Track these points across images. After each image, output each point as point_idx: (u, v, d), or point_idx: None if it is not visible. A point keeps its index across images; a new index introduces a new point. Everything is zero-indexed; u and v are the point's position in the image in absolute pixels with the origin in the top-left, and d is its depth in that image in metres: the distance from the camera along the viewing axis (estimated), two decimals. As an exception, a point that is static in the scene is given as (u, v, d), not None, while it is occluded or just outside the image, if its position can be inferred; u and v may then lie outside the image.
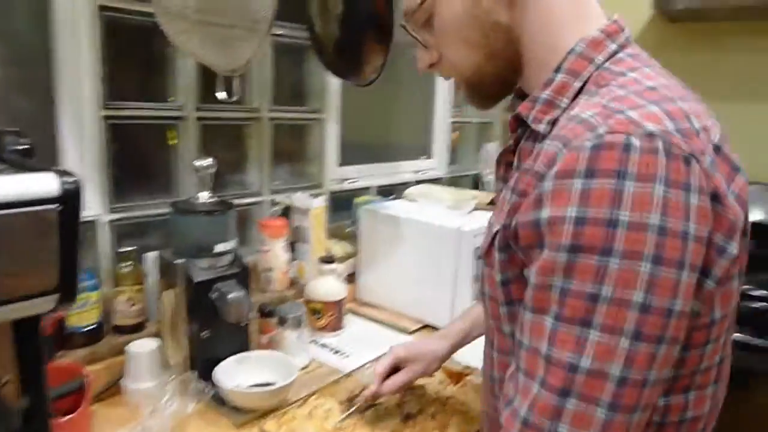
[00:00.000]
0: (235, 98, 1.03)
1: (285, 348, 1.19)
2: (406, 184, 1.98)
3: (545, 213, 0.51)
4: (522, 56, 0.65)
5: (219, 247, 1.06)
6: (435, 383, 1.13)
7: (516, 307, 0.60)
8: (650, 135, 0.48)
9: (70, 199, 0.48)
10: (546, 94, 0.61)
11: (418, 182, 2.01)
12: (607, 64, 0.59)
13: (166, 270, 1.09)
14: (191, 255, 1.05)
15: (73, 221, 0.49)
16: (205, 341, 1.05)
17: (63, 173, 0.49)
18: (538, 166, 0.55)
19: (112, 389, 1.05)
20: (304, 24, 1.24)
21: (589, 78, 0.59)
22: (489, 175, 1.70)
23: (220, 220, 1.07)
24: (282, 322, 1.20)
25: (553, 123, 0.59)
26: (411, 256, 1.43)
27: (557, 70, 0.60)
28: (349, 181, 1.74)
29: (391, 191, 1.91)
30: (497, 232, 0.60)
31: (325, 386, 1.12)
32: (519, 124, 0.65)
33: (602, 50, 0.59)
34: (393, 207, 1.53)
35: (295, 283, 1.47)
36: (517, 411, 0.53)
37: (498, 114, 2.40)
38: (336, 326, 1.37)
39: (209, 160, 1.08)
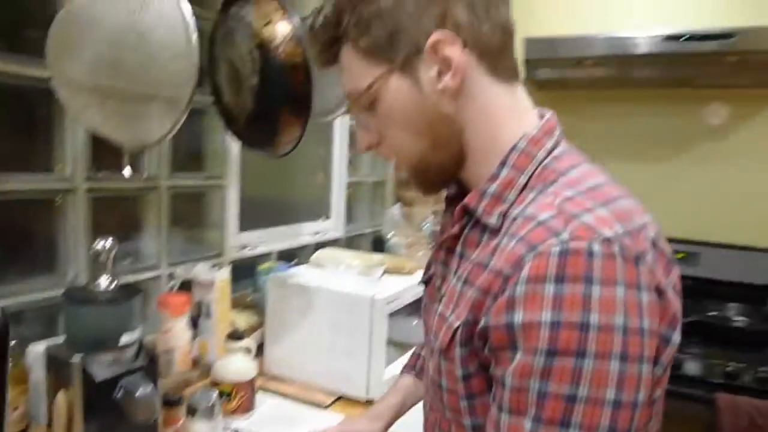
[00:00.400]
0: (145, 176, 0.95)
1: (194, 441, 1.09)
2: (306, 247, 1.95)
3: (518, 317, 0.52)
4: (465, 147, 0.66)
5: (124, 339, 0.95)
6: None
7: (476, 401, 0.61)
8: (607, 240, 0.52)
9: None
10: (493, 188, 0.63)
11: (318, 244, 1.98)
12: (547, 160, 0.63)
13: (58, 367, 0.96)
14: (90, 349, 0.93)
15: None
16: (108, 447, 0.93)
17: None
18: (501, 265, 0.56)
19: None
20: (210, 91, 1.19)
21: (533, 173, 0.62)
22: (394, 238, 1.72)
23: (125, 309, 0.96)
24: (191, 412, 1.10)
25: (503, 216, 0.62)
26: (322, 325, 1.39)
27: (502, 164, 0.63)
28: (249, 247, 1.67)
29: (292, 255, 1.86)
30: (458, 328, 0.60)
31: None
32: (464, 213, 0.67)
33: (541, 147, 0.63)
34: (301, 275, 1.48)
35: (197, 363, 1.37)
36: None
37: (390, 173, 2.46)
38: (248, 407, 1.27)
39: (109, 241, 0.98)
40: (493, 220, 0.62)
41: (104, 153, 1.22)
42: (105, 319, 0.95)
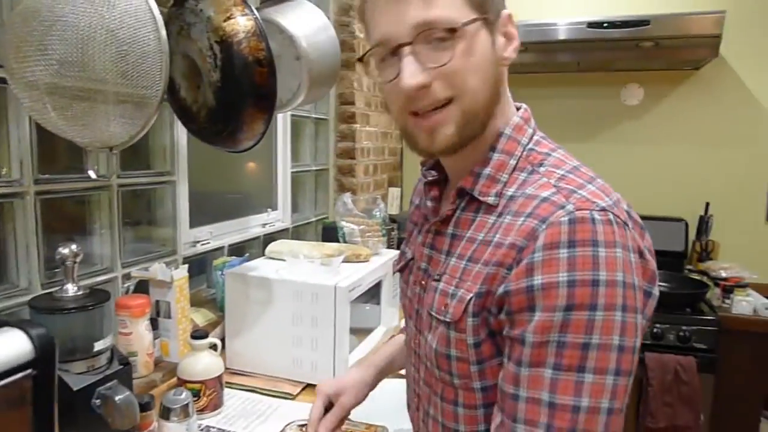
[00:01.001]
0: (114, 176, 0.91)
1: (170, 442, 1.08)
2: (255, 240, 1.93)
3: (538, 280, 0.59)
4: (488, 124, 0.70)
5: (98, 345, 0.93)
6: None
7: (485, 365, 0.66)
8: (603, 209, 0.60)
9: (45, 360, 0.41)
10: (488, 170, 0.70)
11: (266, 236, 1.97)
12: (530, 145, 0.71)
13: (26, 380, 0.92)
14: (61, 359, 0.90)
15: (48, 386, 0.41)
16: (89, 457, 0.90)
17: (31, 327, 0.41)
18: (512, 239, 0.62)
19: None
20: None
21: (520, 157, 0.70)
22: (347, 226, 1.74)
23: (97, 315, 0.94)
24: (165, 413, 1.08)
25: (499, 195, 0.68)
26: (285, 316, 1.40)
27: (492, 149, 0.71)
28: (201, 242, 1.64)
29: (241, 249, 1.85)
30: (470, 300, 0.65)
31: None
32: (458, 196, 0.72)
33: (523, 133, 0.72)
34: (259, 267, 1.48)
35: (159, 364, 1.34)
36: None
37: (332, 161, 2.47)
38: (217, 404, 1.27)
39: (74, 247, 0.95)
40: (491, 199, 0.69)
41: (51, 153, 1.17)
42: (76, 327, 0.92)
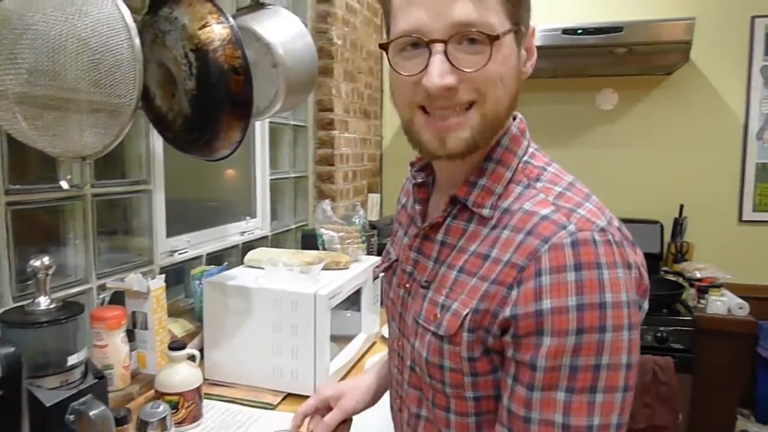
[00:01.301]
0: (88, 186, 0.90)
1: (148, 456, 1.06)
2: (233, 248, 1.92)
3: (547, 304, 0.59)
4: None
5: (72, 360, 0.91)
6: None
7: (480, 378, 0.66)
8: (602, 230, 0.61)
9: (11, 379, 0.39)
10: (483, 180, 0.69)
11: (245, 244, 1.96)
12: (526, 157, 0.71)
13: None
14: (34, 374, 0.88)
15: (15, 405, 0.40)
16: (63, 474, 0.88)
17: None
18: (512, 257, 0.62)
19: None
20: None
21: (516, 169, 0.69)
22: (327, 233, 1.73)
23: (70, 328, 0.92)
24: (142, 427, 1.06)
25: (494, 208, 0.67)
26: (264, 325, 1.39)
27: (488, 159, 0.70)
28: (179, 251, 1.62)
29: (219, 257, 1.83)
30: (466, 315, 0.65)
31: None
32: (450, 203, 0.71)
33: (520, 145, 0.71)
34: (238, 276, 1.47)
35: (136, 376, 1.32)
36: None
37: (311, 168, 2.46)
38: (196, 416, 1.25)
39: (46, 259, 0.93)
40: (486, 211, 0.68)
41: (22, 163, 1.14)
42: (49, 341, 0.90)
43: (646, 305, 0.66)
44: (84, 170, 1.26)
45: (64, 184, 0.90)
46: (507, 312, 0.61)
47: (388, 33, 0.69)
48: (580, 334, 0.58)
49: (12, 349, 0.39)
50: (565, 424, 0.58)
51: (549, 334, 0.58)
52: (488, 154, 0.70)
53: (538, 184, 0.67)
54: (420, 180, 0.80)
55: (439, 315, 0.68)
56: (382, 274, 0.89)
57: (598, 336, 0.58)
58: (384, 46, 0.67)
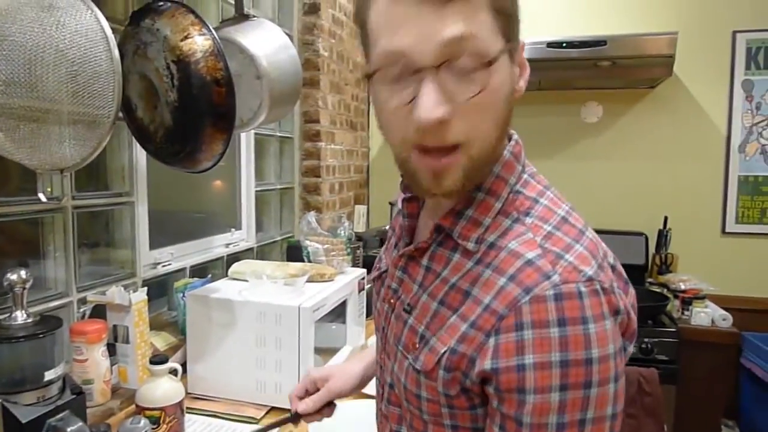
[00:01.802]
0: (67, 198, 0.89)
1: (127, 473, 1.04)
2: (218, 261, 1.90)
3: (529, 359, 0.56)
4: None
5: (49, 375, 0.89)
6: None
7: (457, 411, 0.64)
8: (590, 279, 0.57)
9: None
10: (470, 211, 0.65)
11: (230, 256, 1.94)
12: (518, 186, 0.66)
13: (-28, 413, 0.88)
14: (9, 390, 0.86)
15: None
16: (39, 492, 0.86)
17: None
18: (492, 303, 0.59)
19: None
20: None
21: (506, 199, 0.65)
22: (312, 245, 1.72)
23: (47, 343, 0.90)
24: (123, 444, 1.05)
25: (480, 241, 0.63)
26: (248, 338, 1.37)
27: (478, 188, 0.65)
28: (162, 264, 1.60)
29: (204, 270, 1.81)
30: (444, 353, 0.62)
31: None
32: (435, 230, 0.68)
33: (512, 172, 0.66)
34: (221, 289, 1.45)
35: (117, 391, 1.30)
36: None
37: (297, 179, 2.46)
38: (178, 431, 1.23)
39: (23, 273, 0.92)
40: (471, 245, 0.64)
41: (1, 174, 1.13)
42: (25, 356, 0.88)
43: (630, 348, 0.64)
44: (64, 182, 1.24)
45: (42, 197, 0.89)
46: (487, 364, 0.58)
47: (367, 58, 0.62)
48: (565, 390, 0.55)
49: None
50: None
51: (532, 392, 0.56)
52: (479, 182, 0.65)
53: (528, 220, 0.62)
54: (410, 194, 0.76)
55: (418, 345, 0.66)
56: (371, 282, 0.88)
57: (583, 392, 0.55)
58: (369, 77, 0.60)
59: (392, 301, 0.75)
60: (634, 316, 0.63)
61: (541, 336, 0.55)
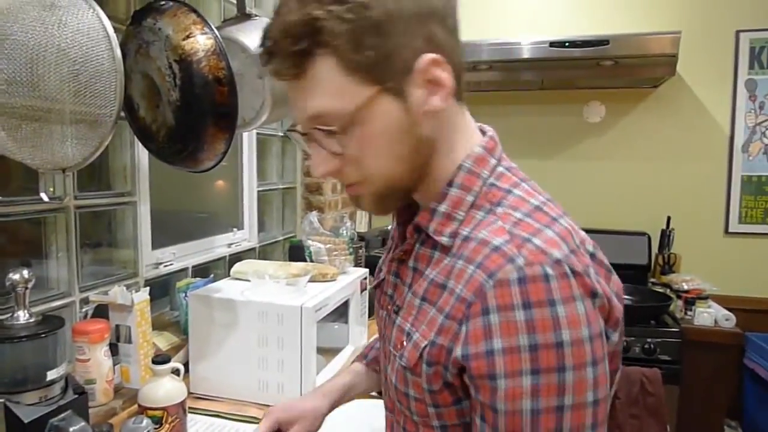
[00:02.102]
0: (70, 198, 0.88)
1: (129, 473, 1.04)
2: (220, 261, 1.90)
3: (497, 344, 0.55)
4: (430, 168, 0.66)
5: (51, 375, 0.89)
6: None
7: (443, 409, 0.64)
8: (558, 261, 0.56)
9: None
10: (443, 207, 0.65)
11: (232, 256, 1.94)
12: (491, 179, 0.66)
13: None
14: (12, 389, 0.86)
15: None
16: (41, 492, 0.86)
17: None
18: (462, 291, 0.59)
19: None
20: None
21: (479, 193, 0.65)
22: (314, 245, 1.72)
23: (49, 343, 0.90)
24: (125, 443, 1.04)
25: (454, 235, 0.64)
26: (250, 338, 1.37)
27: (450, 184, 0.66)
28: (164, 264, 1.60)
29: (206, 269, 1.81)
30: (425, 347, 0.62)
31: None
32: (415, 231, 0.69)
33: (485, 165, 0.66)
34: (223, 289, 1.45)
35: (120, 391, 1.30)
36: None
37: (299, 179, 2.46)
38: (180, 431, 1.23)
39: (25, 272, 0.92)
40: (445, 239, 0.64)
41: (3, 174, 1.13)
42: (27, 355, 0.88)
43: (614, 337, 0.62)
44: (66, 182, 1.25)
45: (44, 197, 0.89)
46: (458, 351, 0.58)
47: None
48: (536, 374, 0.54)
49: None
50: None
51: (503, 377, 0.55)
52: (451, 179, 0.66)
53: (499, 210, 0.62)
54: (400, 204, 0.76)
55: (405, 343, 0.66)
56: (374, 290, 0.88)
57: (557, 377, 0.54)
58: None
59: (389, 307, 0.75)
60: (617, 304, 0.62)
61: (507, 320, 0.55)
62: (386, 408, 0.79)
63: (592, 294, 0.57)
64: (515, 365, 0.55)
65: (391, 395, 0.73)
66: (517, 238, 0.58)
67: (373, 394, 1.09)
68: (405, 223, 0.76)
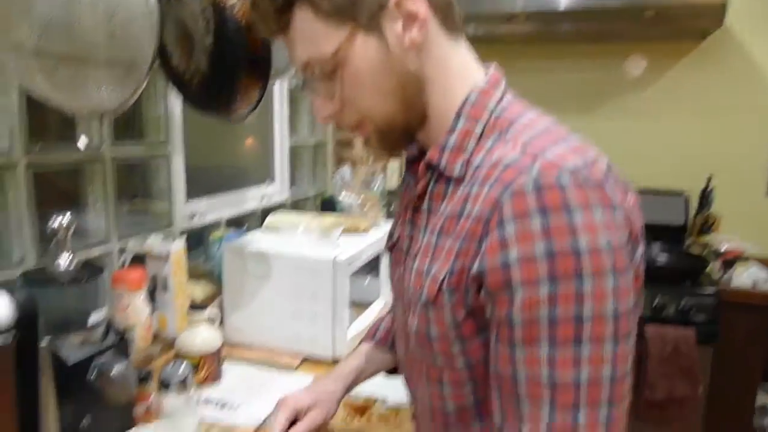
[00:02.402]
0: (106, 145, 0.89)
1: (168, 415, 1.07)
2: (252, 214, 1.91)
3: (514, 254, 0.55)
4: (426, 105, 0.68)
5: (93, 318, 0.91)
6: (338, 420, 1.11)
7: (467, 344, 0.63)
8: (573, 171, 0.55)
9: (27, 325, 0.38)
10: (452, 140, 0.66)
11: (264, 210, 1.95)
12: (498, 110, 0.67)
13: (21, 353, 0.91)
14: (56, 332, 0.88)
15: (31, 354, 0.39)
16: (86, 430, 0.89)
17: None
18: (479, 210, 0.59)
19: None
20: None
21: (487, 123, 0.66)
22: (346, 198, 1.71)
23: (91, 287, 0.92)
24: (164, 386, 1.07)
25: (466, 165, 0.65)
26: (283, 290, 1.38)
27: (458, 116, 0.66)
28: (198, 216, 1.62)
29: (239, 222, 1.82)
30: (444, 278, 0.62)
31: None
32: (427, 169, 0.69)
33: (491, 97, 0.67)
34: (258, 241, 1.46)
35: (157, 338, 1.33)
36: None
37: (330, 135, 2.44)
38: (216, 377, 1.26)
39: (67, 217, 0.93)
40: (456, 171, 0.65)
41: (41, 124, 1.14)
42: (70, 299, 0.90)
43: (638, 251, 0.60)
44: (102, 131, 1.25)
45: (81, 144, 0.89)
46: (476, 268, 0.58)
47: None
48: (554, 282, 0.54)
49: (26, 294, 0.38)
50: (552, 380, 0.55)
51: (519, 285, 0.55)
52: (458, 112, 0.66)
53: (509, 135, 0.63)
54: (411, 154, 0.77)
55: (424, 280, 0.66)
56: (388, 252, 0.87)
57: (575, 284, 0.53)
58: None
59: (406, 260, 0.75)
60: (636, 218, 0.61)
61: (523, 227, 0.55)
62: (412, 366, 0.77)
63: (610, 205, 0.56)
64: (532, 273, 0.54)
65: (412, 347, 0.72)
66: (531, 153, 0.58)
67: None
68: (416, 174, 0.75)
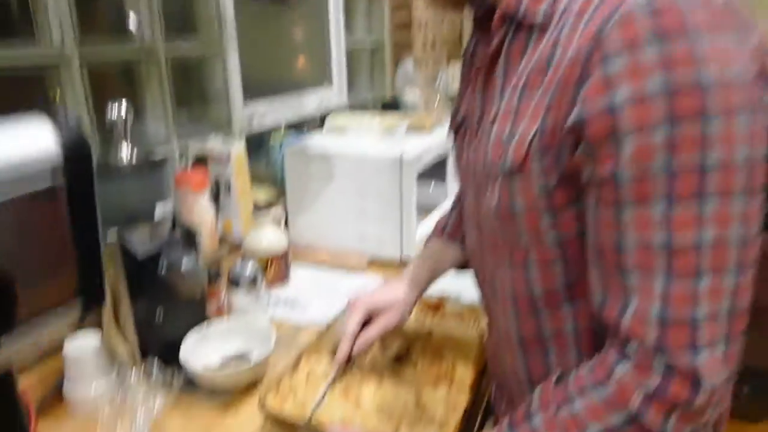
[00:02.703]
0: (159, 34, 0.82)
1: (240, 311, 1.06)
2: (312, 118, 1.85)
3: (621, 94, 0.44)
4: None
5: (159, 210, 0.88)
6: (411, 319, 1.06)
7: (558, 214, 0.55)
8: None
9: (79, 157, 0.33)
10: None
11: (323, 115, 1.88)
12: None
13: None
14: (123, 225, 0.86)
15: (86, 187, 0.33)
16: (160, 324, 0.89)
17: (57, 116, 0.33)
18: (574, 51, 0.48)
19: (52, 400, 0.86)
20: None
21: None
22: (409, 95, 1.61)
23: (155, 179, 0.89)
24: (234, 284, 1.06)
25: (552, 8, 0.53)
26: (348, 191, 1.33)
27: None
28: (257, 118, 1.57)
29: (298, 126, 1.76)
30: (533, 138, 0.53)
31: (305, 345, 1.01)
32: (503, 22, 0.58)
33: None
34: (320, 143, 1.40)
35: (224, 242, 1.32)
36: (645, 313, 0.47)
37: (388, 37, 2.30)
38: (284, 277, 1.25)
39: (123, 105, 0.88)
40: (540, 16, 0.54)
41: (91, 17, 1.08)
42: (134, 191, 0.87)
43: None
44: (155, 27, 1.19)
45: (132, 24, 0.83)
46: (572, 118, 0.48)
47: None
48: (673, 124, 0.43)
49: (74, 124, 0.32)
50: (667, 244, 0.45)
51: (629, 132, 0.44)
52: None
53: None
54: (479, 13, 0.66)
55: (505, 147, 0.56)
56: (453, 134, 0.76)
57: (701, 124, 0.43)
58: None
59: (479, 134, 0.64)
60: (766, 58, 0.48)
61: (634, 60, 0.43)
62: (489, 254, 0.68)
63: (743, 30, 0.45)
64: (645, 116, 0.44)
65: (490, 231, 0.64)
66: None
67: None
68: (485, 37, 0.64)
